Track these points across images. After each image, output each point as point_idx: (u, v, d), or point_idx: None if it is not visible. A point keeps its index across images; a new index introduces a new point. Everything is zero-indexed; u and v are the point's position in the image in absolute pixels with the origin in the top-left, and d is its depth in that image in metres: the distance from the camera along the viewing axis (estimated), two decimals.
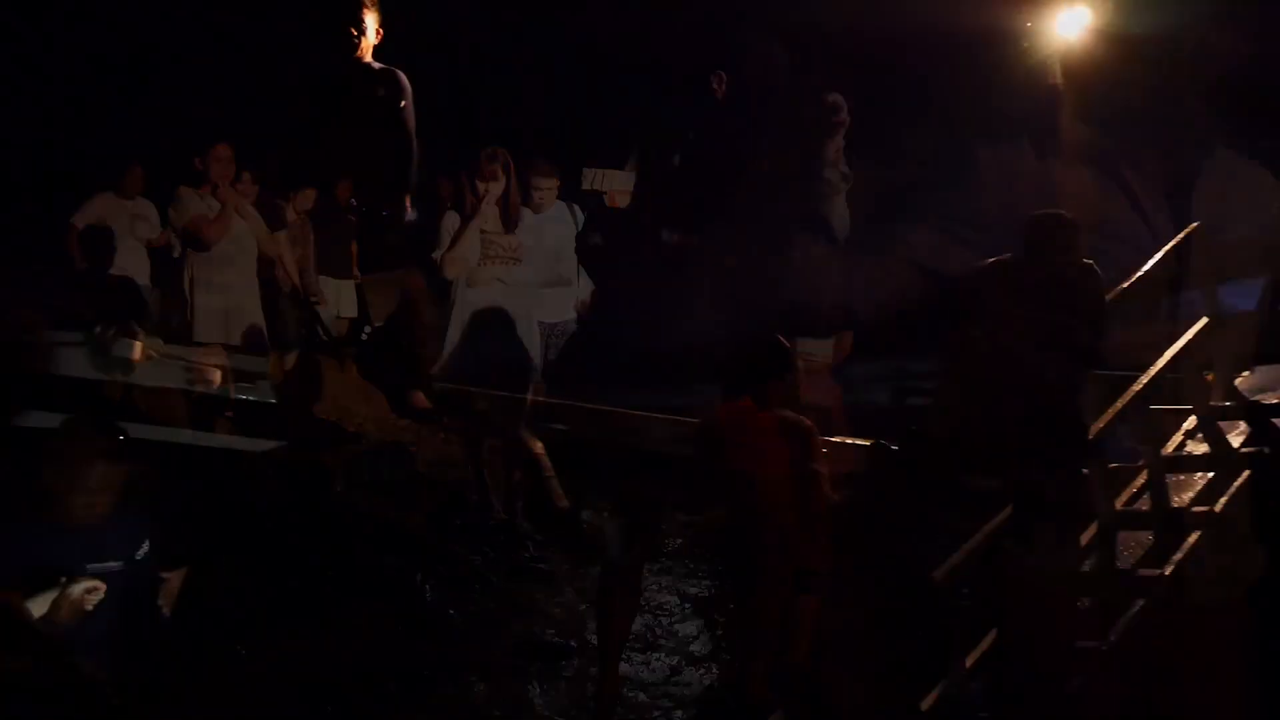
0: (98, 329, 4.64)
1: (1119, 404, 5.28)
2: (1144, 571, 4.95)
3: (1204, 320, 5.99)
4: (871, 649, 4.04)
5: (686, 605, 5.23)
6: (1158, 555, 5.01)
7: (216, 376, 5.03)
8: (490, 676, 4.33)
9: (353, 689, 4.16)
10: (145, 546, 3.62)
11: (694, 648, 4.89)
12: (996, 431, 4.55)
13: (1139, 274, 5.76)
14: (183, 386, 4.91)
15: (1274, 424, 5.65)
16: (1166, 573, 4.81)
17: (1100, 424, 5.08)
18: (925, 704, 4.39)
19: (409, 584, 4.73)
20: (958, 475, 4.96)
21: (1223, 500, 5.15)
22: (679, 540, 5.63)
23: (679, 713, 4.50)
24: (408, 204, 4.49)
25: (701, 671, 4.73)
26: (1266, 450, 5.44)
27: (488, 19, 8.83)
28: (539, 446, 4.88)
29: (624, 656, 4.05)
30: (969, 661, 4.61)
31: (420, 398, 4.63)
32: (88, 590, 3.39)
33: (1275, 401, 5.94)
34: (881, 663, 4.14)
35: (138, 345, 4.70)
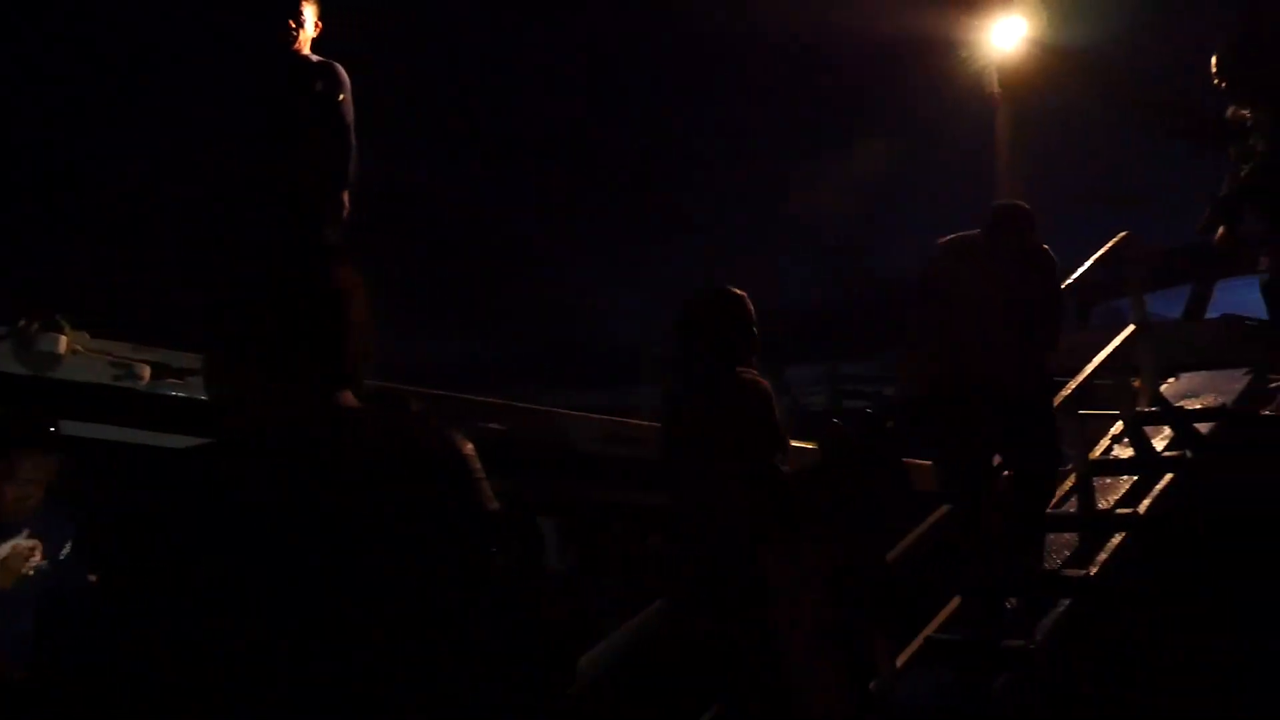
0: (21, 322, 4.53)
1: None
2: (1069, 571, 5.05)
3: (1131, 327, 6.13)
4: (836, 639, 4.04)
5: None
6: (1084, 556, 5.12)
7: (146, 372, 4.93)
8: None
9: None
10: (68, 547, 3.56)
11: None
12: (966, 394, 4.64)
13: (1068, 280, 5.88)
14: (109, 382, 4.81)
15: (1197, 429, 5.79)
16: (1091, 573, 4.92)
17: None
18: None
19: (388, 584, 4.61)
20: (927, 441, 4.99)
21: (1146, 502, 5.28)
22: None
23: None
24: (345, 200, 4.42)
25: None
26: (1189, 454, 5.58)
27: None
28: (469, 447, 4.80)
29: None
30: (899, 662, 4.68)
31: (348, 397, 4.50)
32: (22, 551, 3.33)
33: (1199, 407, 6.10)
34: (848, 654, 4.15)
35: (63, 339, 4.59)
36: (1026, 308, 4.76)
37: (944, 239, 5.07)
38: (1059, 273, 5.16)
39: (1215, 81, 6.09)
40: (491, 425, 5.56)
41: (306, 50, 4.41)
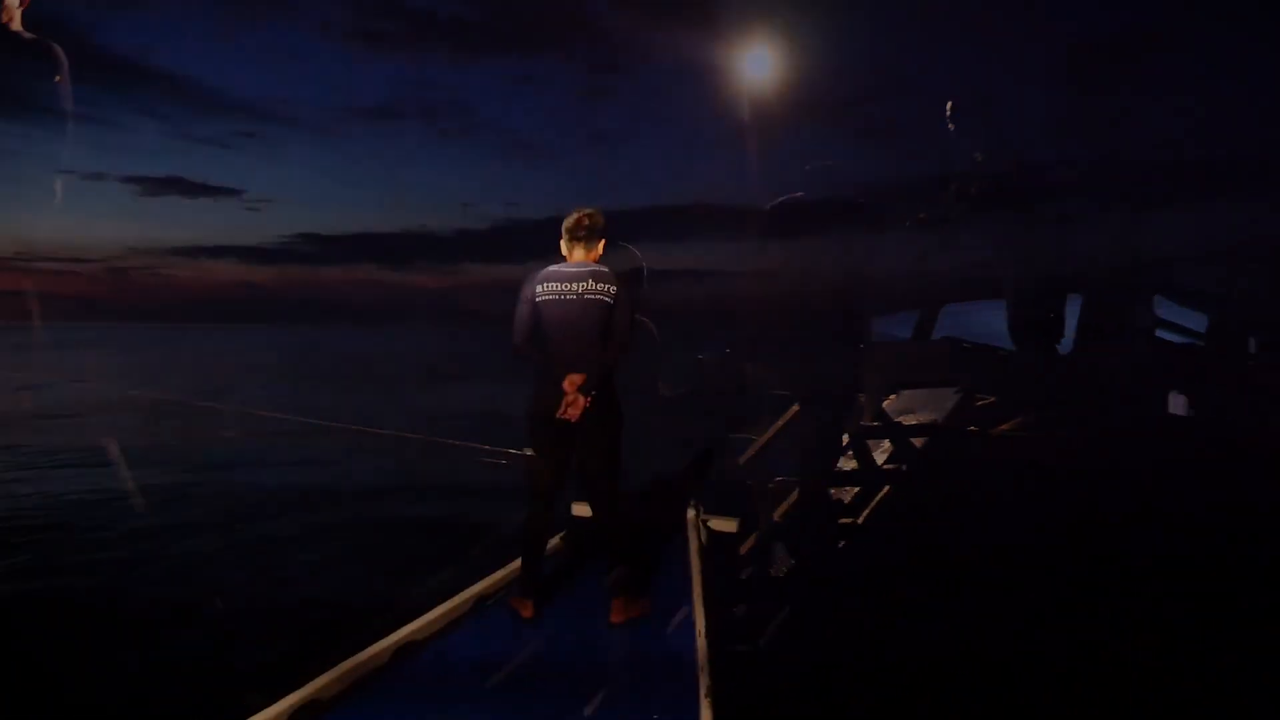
0: None
1: (780, 422, 5.67)
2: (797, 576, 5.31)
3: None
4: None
5: None
6: (811, 562, 5.41)
7: None
8: None
9: None
10: None
11: None
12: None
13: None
14: None
15: (912, 443, 6.22)
16: (815, 578, 5.20)
17: (762, 440, 5.44)
18: None
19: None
20: None
21: (865, 512, 5.63)
22: None
23: None
24: (58, 190, 4.10)
25: None
26: (904, 468, 5.99)
27: None
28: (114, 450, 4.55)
29: None
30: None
31: None
32: None
33: (914, 423, 6.56)
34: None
35: None
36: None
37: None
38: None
39: (950, 126, 6.71)
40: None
41: (18, 25, 4.05)
